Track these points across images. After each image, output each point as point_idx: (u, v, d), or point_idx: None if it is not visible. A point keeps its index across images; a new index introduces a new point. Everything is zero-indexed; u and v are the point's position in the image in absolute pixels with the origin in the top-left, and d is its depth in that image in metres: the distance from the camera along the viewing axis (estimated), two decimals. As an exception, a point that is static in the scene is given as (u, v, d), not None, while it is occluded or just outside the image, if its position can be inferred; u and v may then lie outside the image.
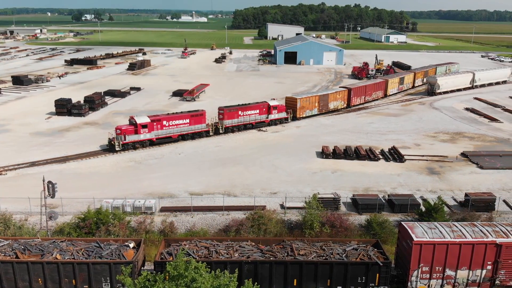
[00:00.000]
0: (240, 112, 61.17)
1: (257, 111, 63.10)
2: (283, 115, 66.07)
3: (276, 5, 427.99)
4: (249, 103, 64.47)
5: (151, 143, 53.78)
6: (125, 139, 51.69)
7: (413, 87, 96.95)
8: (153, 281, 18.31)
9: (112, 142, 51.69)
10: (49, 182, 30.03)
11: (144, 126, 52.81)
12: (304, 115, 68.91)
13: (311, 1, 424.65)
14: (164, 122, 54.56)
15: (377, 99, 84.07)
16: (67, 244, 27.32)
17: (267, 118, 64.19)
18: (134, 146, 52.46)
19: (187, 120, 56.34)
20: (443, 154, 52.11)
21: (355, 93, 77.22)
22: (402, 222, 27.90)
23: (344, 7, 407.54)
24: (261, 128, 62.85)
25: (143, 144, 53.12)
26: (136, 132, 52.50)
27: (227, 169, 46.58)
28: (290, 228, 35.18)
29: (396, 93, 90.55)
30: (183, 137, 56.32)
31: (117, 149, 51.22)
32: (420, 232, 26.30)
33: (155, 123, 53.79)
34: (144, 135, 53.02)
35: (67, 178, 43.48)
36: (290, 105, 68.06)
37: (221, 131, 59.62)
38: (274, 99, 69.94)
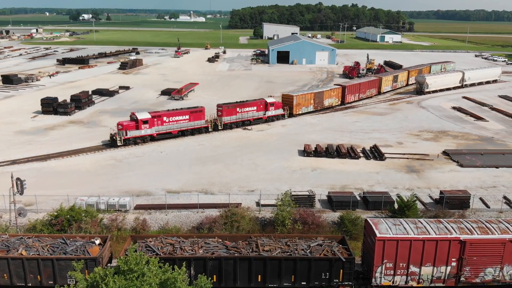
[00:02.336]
0: (238, 109, 62.38)
1: (255, 108, 64.24)
2: (280, 111, 67.31)
3: (273, 5, 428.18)
4: (246, 100, 65.68)
5: (152, 138, 54.89)
6: (126, 135, 52.89)
7: (407, 85, 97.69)
8: (104, 276, 18.36)
9: (114, 138, 52.79)
10: (18, 179, 30.10)
11: (145, 122, 53.95)
12: (300, 112, 70.26)
13: (308, 1, 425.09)
14: (165, 118, 55.77)
15: (371, 97, 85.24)
16: (33, 240, 27.41)
17: (265, 114, 65.35)
18: (135, 141, 53.58)
19: (187, 117, 57.49)
20: (425, 152, 52.19)
21: (349, 90, 78.46)
22: (368, 218, 28.02)
23: (341, 7, 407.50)
24: (246, 127, 63.00)
25: (144, 139, 54.22)
26: (137, 127, 53.71)
27: (207, 167, 46.64)
28: (263, 225, 35.29)
29: (390, 90, 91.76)
30: (183, 133, 57.44)
31: (118, 144, 52.38)
32: (384, 228, 26.40)
33: (155, 119, 54.95)
34: (145, 131, 54.15)
35: (46, 176, 43.70)
36: (287, 102, 69.41)
37: (220, 128, 60.76)
38: (271, 96, 71.58)
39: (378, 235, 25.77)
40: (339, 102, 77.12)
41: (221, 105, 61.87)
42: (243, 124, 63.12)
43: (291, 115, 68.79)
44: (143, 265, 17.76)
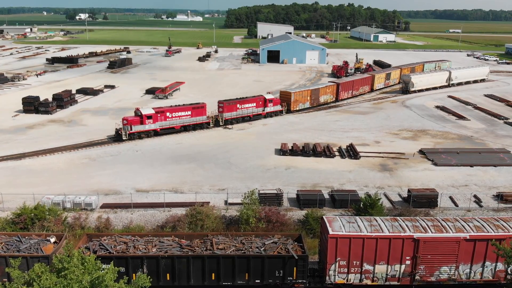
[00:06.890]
0: (238, 105, 64.19)
1: (254, 104, 66.16)
2: (278, 108, 69.28)
3: (269, 4, 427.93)
4: (246, 97, 67.45)
5: (156, 133, 56.40)
6: (131, 129, 54.42)
7: (400, 82, 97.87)
8: (41, 273, 18.37)
9: (119, 132, 54.26)
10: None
11: (149, 117, 55.59)
12: (297, 108, 72.27)
13: (304, 0, 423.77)
14: (168, 114, 57.45)
15: (364, 93, 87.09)
16: (-12, 238, 27.37)
17: (263, 111, 67.16)
18: (139, 136, 55.04)
19: (189, 112, 59.23)
20: (402, 151, 52.18)
21: (343, 87, 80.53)
22: (323, 216, 28.03)
23: (337, 6, 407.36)
24: (227, 126, 63.06)
25: (148, 134, 55.70)
26: (141, 122, 55.30)
27: (181, 166, 46.60)
28: (229, 223, 35.27)
29: (383, 87, 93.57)
30: (185, 128, 59.01)
31: (124, 138, 54.08)
32: (338, 225, 26.41)
33: (159, 115, 56.64)
34: (149, 126, 55.82)
35: (19, 175, 43.70)
36: (285, 99, 71.38)
37: (221, 123, 62.56)
38: (269, 92, 73.68)
39: (331, 232, 25.78)
40: (334, 99, 79.04)
41: (222, 101, 63.75)
42: (243, 120, 64.86)
43: (288, 111, 70.72)
44: (75, 263, 17.75)
